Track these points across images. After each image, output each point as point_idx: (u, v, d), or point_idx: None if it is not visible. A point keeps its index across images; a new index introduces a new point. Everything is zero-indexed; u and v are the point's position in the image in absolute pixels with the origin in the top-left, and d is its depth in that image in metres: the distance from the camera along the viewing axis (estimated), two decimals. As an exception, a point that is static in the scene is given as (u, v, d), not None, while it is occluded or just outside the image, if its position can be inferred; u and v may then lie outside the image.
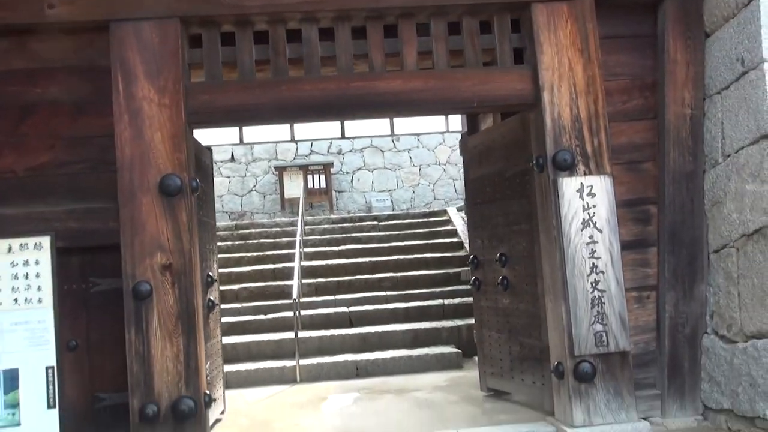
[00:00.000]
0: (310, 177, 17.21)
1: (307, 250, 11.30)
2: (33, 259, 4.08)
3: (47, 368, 3.99)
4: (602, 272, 4.83)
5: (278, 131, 17.95)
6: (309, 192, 16.58)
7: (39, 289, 4.06)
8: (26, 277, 4.07)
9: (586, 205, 4.89)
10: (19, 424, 3.92)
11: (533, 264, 5.40)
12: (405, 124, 18.04)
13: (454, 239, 11.91)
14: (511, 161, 5.71)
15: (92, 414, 4.50)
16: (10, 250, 4.06)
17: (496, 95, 5.13)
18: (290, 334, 8.16)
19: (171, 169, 4.70)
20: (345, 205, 17.65)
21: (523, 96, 5.12)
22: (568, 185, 4.91)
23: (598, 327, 4.77)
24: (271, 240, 12.45)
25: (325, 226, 13.40)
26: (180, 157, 4.74)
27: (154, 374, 4.50)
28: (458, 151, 17.23)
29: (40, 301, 4.05)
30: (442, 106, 5.22)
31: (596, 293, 4.80)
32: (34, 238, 4.09)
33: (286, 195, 17.15)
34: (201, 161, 5.52)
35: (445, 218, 13.51)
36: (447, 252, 11.25)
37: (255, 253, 11.53)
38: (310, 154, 17.90)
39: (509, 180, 5.76)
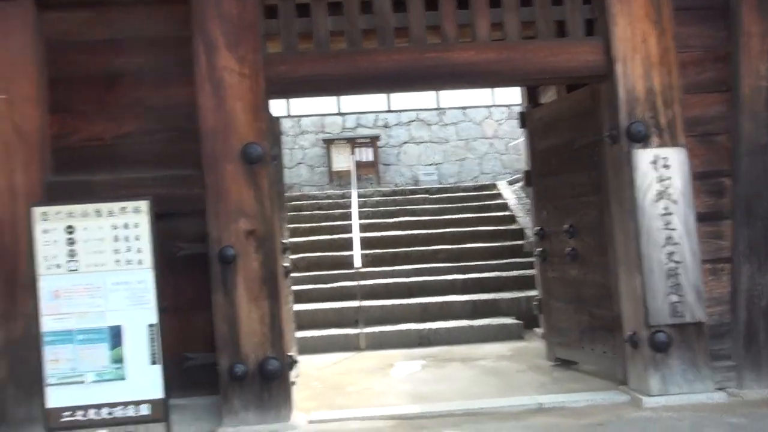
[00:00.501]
0: (357, 150, 17.24)
1: (361, 221, 11.38)
2: (132, 222, 4.22)
3: (149, 326, 4.15)
4: (677, 244, 4.85)
5: (325, 104, 17.95)
6: (356, 165, 16.60)
7: (139, 251, 4.21)
8: (126, 239, 4.22)
9: (661, 177, 4.90)
10: (124, 378, 4.12)
11: (603, 235, 5.42)
12: (451, 97, 17.79)
13: (506, 213, 11.90)
14: (579, 133, 5.72)
15: (180, 373, 4.67)
16: (111, 213, 4.22)
17: (568, 66, 5.15)
18: (351, 303, 8.32)
19: (252, 137, 4.81)
20: (392, 178, 17.66)
21: (595, 68, 5.13)
22: (642, 157, 4.92)
23: (674, 298, 4.80)
24: (324, 212, 12.55)
25: (377, 198, 13.46)
26: (260, 126, 4.85)
27: (241, 336, 4.67)
28: (505, 125, 17.33)
29: (140, 262, 4.20)
30: (515, 77, 5.26)
31: (671, 264, 4.82)
32: (133, 203, 4.23)
33: (334, 168, 17.23)
34: (274, 131, 5.63)
35: (495, 192, 13.45)
36: (500, 225, 11.24)
37: (308, 224, 11.63)
38: (356, 127, 17.91)
39: (577, 152, 5.76)
